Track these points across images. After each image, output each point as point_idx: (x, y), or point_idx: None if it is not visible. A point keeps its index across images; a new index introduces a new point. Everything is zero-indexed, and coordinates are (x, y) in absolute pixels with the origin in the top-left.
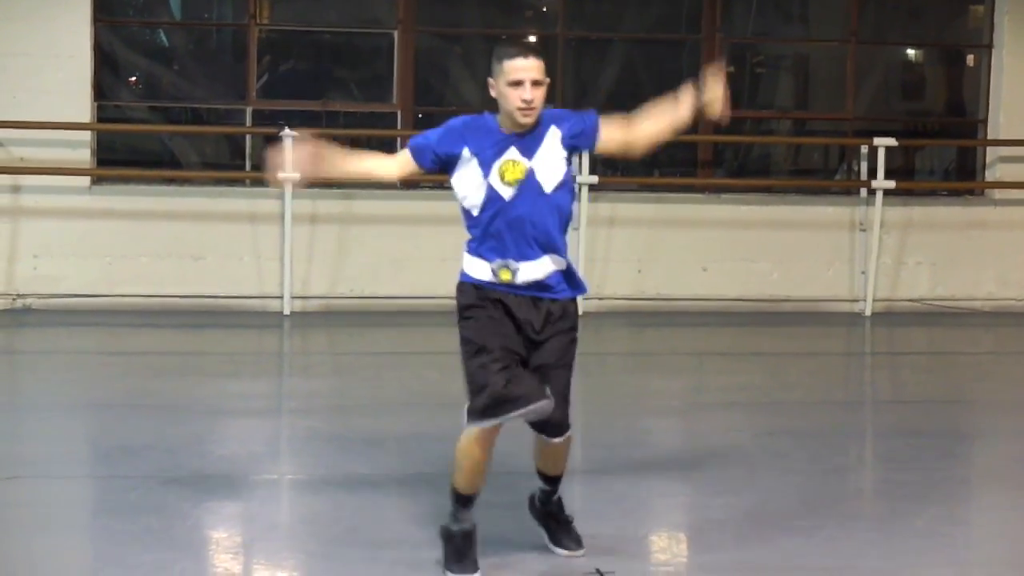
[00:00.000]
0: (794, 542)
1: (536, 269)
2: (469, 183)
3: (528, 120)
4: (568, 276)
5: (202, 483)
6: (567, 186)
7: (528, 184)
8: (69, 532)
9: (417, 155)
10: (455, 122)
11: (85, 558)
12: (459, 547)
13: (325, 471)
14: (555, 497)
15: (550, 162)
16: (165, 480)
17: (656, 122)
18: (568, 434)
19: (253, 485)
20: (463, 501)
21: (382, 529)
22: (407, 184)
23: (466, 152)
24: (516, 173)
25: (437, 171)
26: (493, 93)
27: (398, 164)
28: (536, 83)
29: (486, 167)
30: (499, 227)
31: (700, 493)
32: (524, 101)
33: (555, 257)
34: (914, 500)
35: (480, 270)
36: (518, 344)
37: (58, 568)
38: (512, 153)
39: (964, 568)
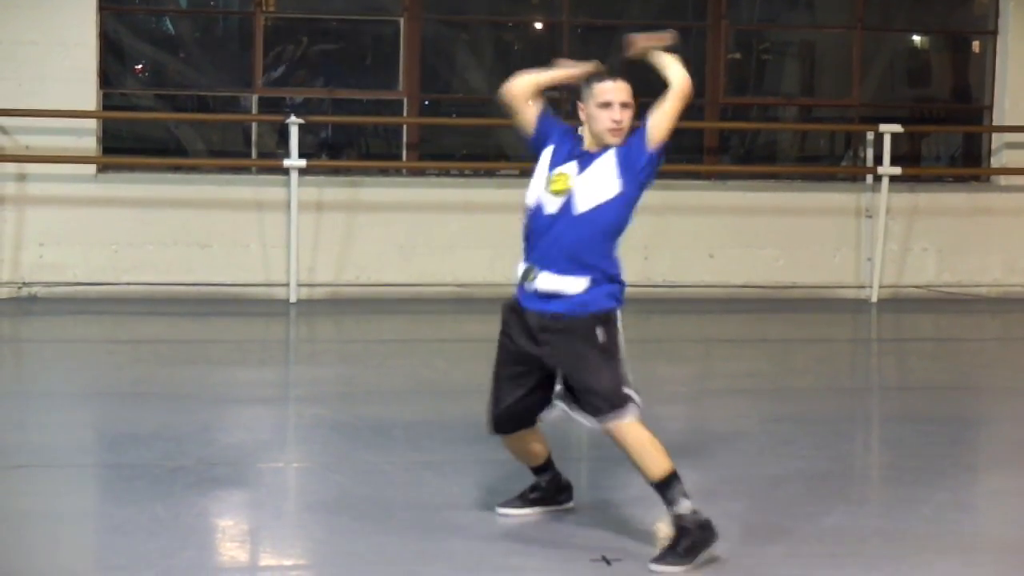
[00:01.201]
0: (801, 529)
1: (552, 282)
2: (537, 178)
3: (617, 140)
4: (588, 294)
5: (208, 471)
6: (612, 206)
7: (568, 201)
8: (75, 520)
9: (544, 109)
10: (560, 123)
11: (91, 546)
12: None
13: (332, 459)
14: (668, 506)
15: (594, 182)
16: (171, 468)
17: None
18: (614, 423)
19: (260, 473)
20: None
21: (389, 517)
22: (413, 171)
23: (550, 148)
24: (560, 185)
25: (532, 140)
26: (583, 116)
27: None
28: (624, 105)
29: (550, 169)
30: (535, 233)
31: (706, 480)
32: (614, 121)
33: (577, 279)
34: (921, 486)
35: (519, 269)
36: (529, 361)
37: (64, 557)
38: (570, 167)
39: (971, 554)
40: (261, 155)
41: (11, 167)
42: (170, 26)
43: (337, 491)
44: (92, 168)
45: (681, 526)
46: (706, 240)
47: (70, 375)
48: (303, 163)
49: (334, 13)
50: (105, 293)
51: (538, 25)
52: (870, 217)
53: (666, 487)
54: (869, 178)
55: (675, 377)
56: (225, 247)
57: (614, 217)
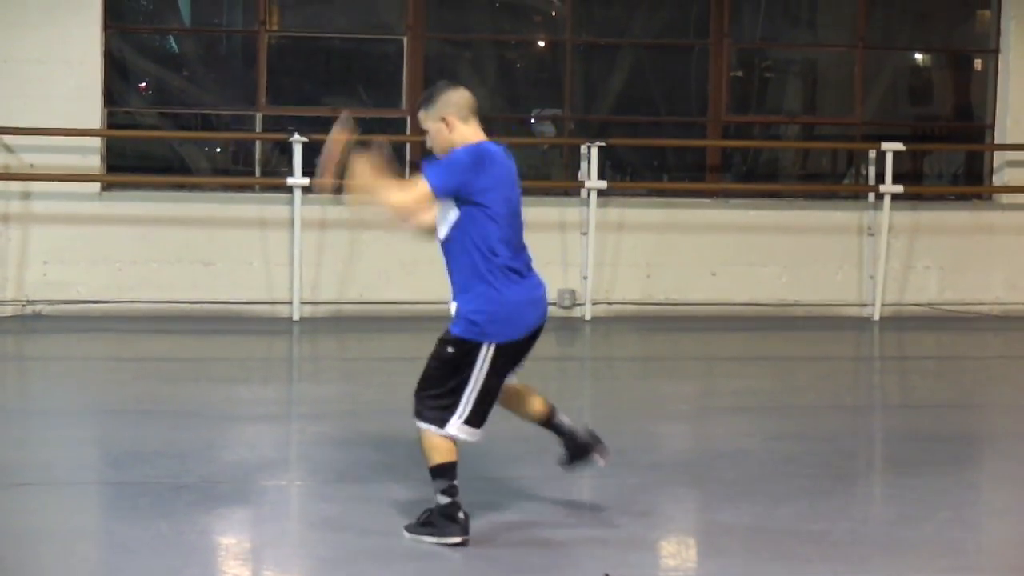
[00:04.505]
0: (803, 546)
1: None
2: None
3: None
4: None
5: (212, 489)
6: (461, 227)
7: (437, 230)
8: (78, 538)
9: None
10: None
11: (95, 564)
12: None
13: (335, 477)
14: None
15: (442, 211)
16: (175, 486)
17: None
18: (419, 425)
19: (263, 491)
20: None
21: (392, 535)
22: None
23: None
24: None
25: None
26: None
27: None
28: (425, 131)
29: None
30: None
31: (709, 497)
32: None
33: (453, 303)
34: (923, 504)
35: None
36: None
37: (68, 574)
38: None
39: (973, 573)
40: (264, 173)
41: (16, 185)
42: (174, 45)
43: (340, 509)
44: (96, 186)
45: (430, 509)
46: (709, 258)
47: (74, 393)
48: (306, 181)
49: (338, 31)
50: (109, 311)
51: (541, 43)
52: (872, 235)
53: (433, 475)
54: (871, 196)
55: (678, 395)
56: (228, 265)
57: (459, 238)
